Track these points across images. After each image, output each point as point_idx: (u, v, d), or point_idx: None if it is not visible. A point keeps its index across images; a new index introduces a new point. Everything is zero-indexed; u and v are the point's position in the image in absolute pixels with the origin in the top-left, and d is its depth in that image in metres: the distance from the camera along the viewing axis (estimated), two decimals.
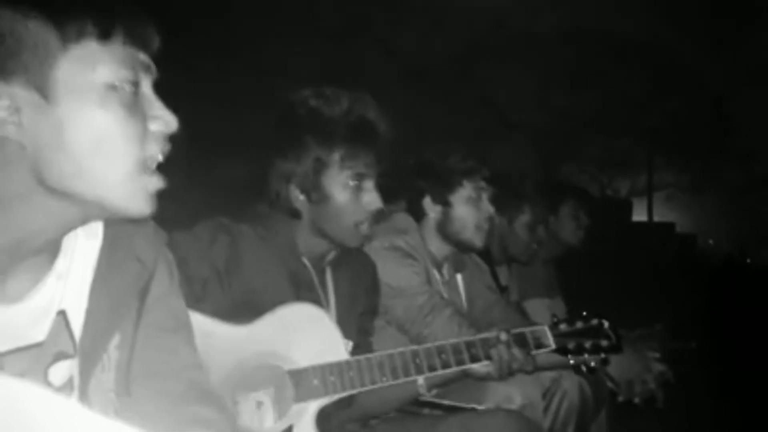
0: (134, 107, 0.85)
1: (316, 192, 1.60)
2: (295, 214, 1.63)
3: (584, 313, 1.86)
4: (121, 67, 0.83)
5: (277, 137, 1.63)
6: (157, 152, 0.88)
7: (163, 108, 0.88)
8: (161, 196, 0.90)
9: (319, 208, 1.62)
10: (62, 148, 0.81)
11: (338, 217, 1.61)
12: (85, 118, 0.81)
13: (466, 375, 1.74)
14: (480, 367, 1.70)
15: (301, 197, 1.62)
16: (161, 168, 0.90)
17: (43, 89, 0.80)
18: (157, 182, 0.88)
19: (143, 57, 0.86)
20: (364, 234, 1.66)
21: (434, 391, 1.81)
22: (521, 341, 1.75)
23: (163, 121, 0.88)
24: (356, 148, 1.59)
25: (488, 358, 1.70)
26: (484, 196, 2.19)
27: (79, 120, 0.81)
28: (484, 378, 1.75)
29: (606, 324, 1.85)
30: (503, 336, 1.72)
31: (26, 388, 0.51)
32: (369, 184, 1.62)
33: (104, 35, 0.82)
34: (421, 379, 1.69)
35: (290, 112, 1.63)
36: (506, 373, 1.72)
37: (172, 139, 0.90)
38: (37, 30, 0.79)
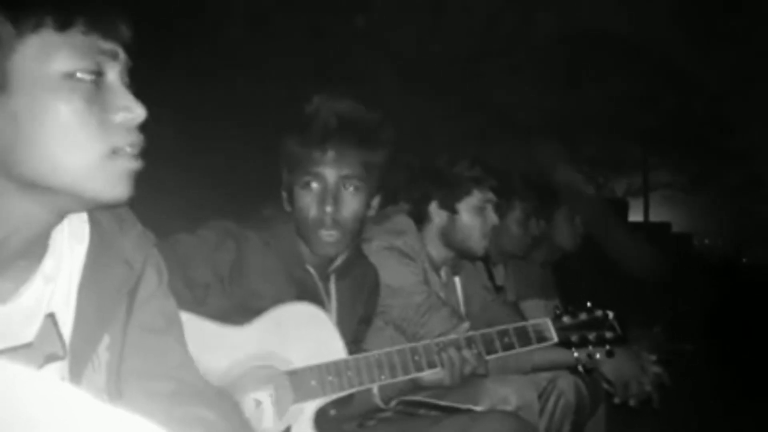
0: (95, 97, 0.82)
1: (289, 204, 1.64)
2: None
3: (588, 304, 1.83)
4: (80, 57, 0.80)
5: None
6: (124, 144, 0.84)
7: (130, 98, 0.84)
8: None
9: (294, 217, 1.63)
10: (21, 138, 0.79)
11: (302, 227, 1.61)
12: (42, 109, 0.79)
13: (417, 386, 1.71)
14: (428, 374, 1.66)
15: (288, 208, 1.65)
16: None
17: None
18: (131, 164, 0.85)
19: (108, 45, 0.83)
20: (329, 241, 1.60)
21: (393, 403, 1.78)
22: (522, 335, 1.74)
23: (129, 111, 0.84)
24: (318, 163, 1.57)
25: (489, 353, 1.69)
26: (490, 207, 2.19)
27: (35, 110, 0.79)
28: (435, 386, 1.71)
29: (610, 315, 1.83)
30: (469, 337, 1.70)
31: (20, 370, 0.51)
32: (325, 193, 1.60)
33: (63, 25, 0.79)
34: (375, 389, 1.67)
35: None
36: (458, 378, 1.68)
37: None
38: None
